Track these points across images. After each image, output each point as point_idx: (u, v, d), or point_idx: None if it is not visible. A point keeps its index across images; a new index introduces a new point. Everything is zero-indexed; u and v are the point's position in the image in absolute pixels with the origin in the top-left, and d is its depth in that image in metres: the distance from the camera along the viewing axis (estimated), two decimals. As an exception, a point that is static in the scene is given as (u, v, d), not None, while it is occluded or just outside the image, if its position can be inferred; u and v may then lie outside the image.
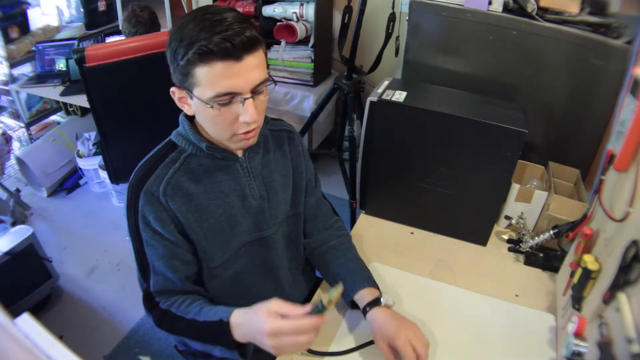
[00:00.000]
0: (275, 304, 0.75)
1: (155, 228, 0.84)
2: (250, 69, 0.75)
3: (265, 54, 0.81)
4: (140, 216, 0.84)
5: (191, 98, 0.79)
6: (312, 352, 0.91)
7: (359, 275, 0.99)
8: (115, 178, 2.02)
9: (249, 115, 0.77)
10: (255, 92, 0.78)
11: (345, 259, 1.04)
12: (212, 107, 0.76)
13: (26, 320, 0.47)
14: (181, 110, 0.91)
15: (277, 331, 0.73)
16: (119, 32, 2.69)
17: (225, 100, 0.76)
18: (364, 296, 0.95)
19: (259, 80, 0.77)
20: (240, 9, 2.52)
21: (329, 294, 0.74)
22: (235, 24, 0.73)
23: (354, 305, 0.98)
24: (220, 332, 0.80)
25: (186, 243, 0.88)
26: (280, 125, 1.03)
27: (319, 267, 1.09)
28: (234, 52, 0.72)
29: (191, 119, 0.89)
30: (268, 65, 2.47)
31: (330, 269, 1.03)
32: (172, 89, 0.82)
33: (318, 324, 0.74)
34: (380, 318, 0.90)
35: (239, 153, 0.92)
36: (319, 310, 0.75)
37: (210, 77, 0.74)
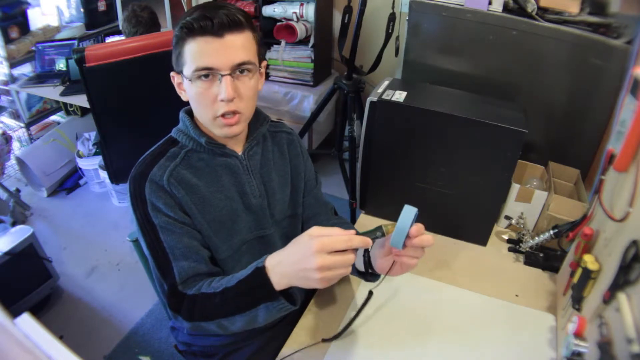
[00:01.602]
0: (316, 229, 0.71)
1: (167, 213, 0.83)
2: (231, 47, 0.78)
3: (258, 43, 0.84)
4: (149, 204, 0.83)
5: (183, 80, 0.83)
6: (325, 340, 0.92)
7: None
8: (115, 178, 2.02)
9: (224, 93, 0.79)
10: (236, 71, 0.80)
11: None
12: (191, 81, 0.80)
13: (26, 320, 0.47)
14: (180, 108, 0.92)
15: (327, 247, 0.68)
16: (119, 32, 2.69)
17: (203, 74, 0.79)
18: None
19: (240, 60, 0.79)
20: (240, 9, 2.52)
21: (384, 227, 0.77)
22: (224, 7, 0.78)
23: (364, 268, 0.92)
24: (259, 283, 0.73)
25: (196, 227, 0.87)
26: (280, 127, 1.04)
27: None
28: (213, 29, 0.76)
29: (191, 115, 0.90)
30: (268, 65, 2.48)
31: None
32: (172, 73, 0.86)
33: (366, 242, 0.71)
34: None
35: (238, 151, 0.92)
36: (372, 235, 0.76)
37: (193, 53, 0.78)
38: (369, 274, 0.91)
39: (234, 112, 0.82)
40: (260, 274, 0.74)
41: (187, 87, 0.83)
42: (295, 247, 0.72)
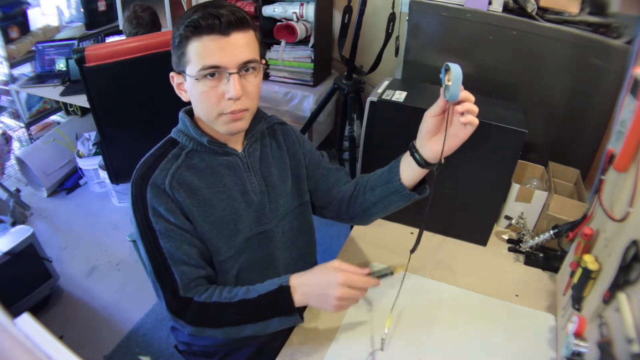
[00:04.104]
0: (338, 263, 0.82)
1: (168, 218, 0.83)
2: (238, 46, 0.79)
3: (259, 42, 0.84)
4: (150, 209, 0.83)
5: (185, 80, 0.82)
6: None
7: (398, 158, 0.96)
8: (115, 178, 2.02)
9: (233, 91, 0.79)
10: (243, 69, 0.80)
11: (377, 170, 1.01)
12: (198, 79, 0.79)
13: (26, 320, 0.47)
14: (180, 108, 0.92)
15: (349, 282, 0.79)
16: (119, 32, 2.69)
17: (210, 72, 0.79)
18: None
19: (246, 58, 0.80)
20: (240, 9, 2.52)
21: (392, 267, 0.86)
22: (227, 6, 0.78)
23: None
24: (282, 298, 0.82)
25: (197, 232, 0.87)
26: (273, 120, 1.04)
27: (360, 204, 1.01)
28: (221, 27, 0.76)
29: (191, 115, 0.90)
30: (268, 64, 2.48)
31: (370, 184, 0.99)
32: (171, 74, 0.86)
33: (377, 283, 0.83)
34: None
35: (238, 149, 0.92)
36: (382, 275, 0.85)
37: (199, 51, 0.78)
38: (424, 179, 0.93)
39: (240, 110, 0.83)
40: (285, 291, 0.82)
41: (189, 87, 0.82)
42: (321, 274, 0.82)
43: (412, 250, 0.90)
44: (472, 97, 0.80)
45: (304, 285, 0.82)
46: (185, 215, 0.85)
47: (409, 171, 0.91)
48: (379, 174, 0.98)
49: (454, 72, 0.78)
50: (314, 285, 0.82)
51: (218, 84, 0.80)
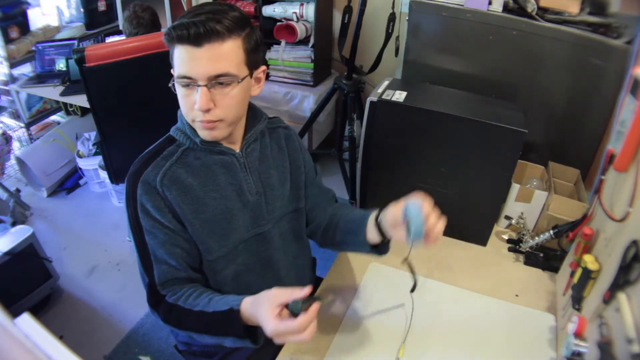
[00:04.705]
0: (275, 297, 0.74)
1: (154, 216, 0.85)
2: (210, 58, 0.77)
3: (247, 51, 0.81)
4: (139, 205, 0.85)
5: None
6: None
7: (368, 212, 0.95)
8: (115, 178, 2.02)
9: (197, 103, 0.79)
10: (214, 81, 0.78)
11: (352, 211, 1.02)
12: (176, 86, 0.81)
13: (26, 320, 0.48)
14: (179, 108, 0.92)
15: (280, 332, 0.73)
16: (119, 32, 2.69)
17: (183, 83, 0.79)
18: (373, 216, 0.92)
19: (217, 72, 0.78)
20: (240, 9, 2.51)
21: (320, 299, 0.75)
22: (209, 14, 0.76)
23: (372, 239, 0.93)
24: (231, 321, 0.79)
25: (186, 232, 0.88)
26: (277, 123, 1.04)
27: (331, 238, 1.04)
28: (189, 39, 0.75)
29: None
30: (268, 64, 2.48)
31: (340, 226, 1.01)
32: (172, 69, 0.85)
33: (314, 317, 0.73)
34: None
35: (236, 148, 0.92)
36: (301, 308, 0.73)
37: (177, 59, 0.79)
38: (383, 243, 0.92)
39: (209, 121, 0.82)
40: (235, 314, 0.79)
41: (176, 88, 0.83)
42: (258, 309, 0.76)
43: (412, 290, 0.92)
44: (436, 223, 0.80)
45: (250, 315, 0.78)
46: (174, 213, 0.86)
47: (372, 233, 0.91)
48: (351, 218, 0.99)
49: (412, 218, 0.78)
50: (256, 317, 0.77)
51: (191, 92, 0.80)
